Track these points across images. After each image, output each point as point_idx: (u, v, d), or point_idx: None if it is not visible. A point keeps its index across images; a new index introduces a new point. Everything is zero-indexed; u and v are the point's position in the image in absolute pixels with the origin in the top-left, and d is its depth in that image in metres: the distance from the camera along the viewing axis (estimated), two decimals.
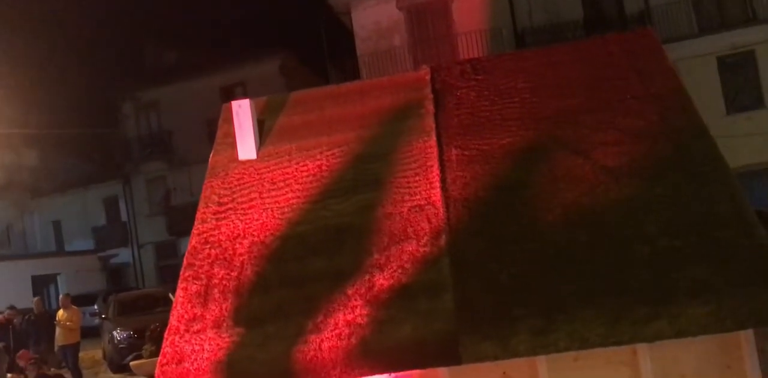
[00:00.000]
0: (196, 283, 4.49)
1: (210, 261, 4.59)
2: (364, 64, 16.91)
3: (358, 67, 16.81)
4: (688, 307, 3.46)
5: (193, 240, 4.77)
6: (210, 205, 4.95)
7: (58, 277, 28.62)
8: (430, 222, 4.39)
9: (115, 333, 14.55)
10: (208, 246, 4.70)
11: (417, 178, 4.67)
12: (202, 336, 4.21)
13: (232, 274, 4.49)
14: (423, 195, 4.55)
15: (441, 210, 4.42)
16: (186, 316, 4.36)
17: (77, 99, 27.37)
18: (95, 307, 22.29)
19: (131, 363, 12.19)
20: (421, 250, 4.25)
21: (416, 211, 4.48)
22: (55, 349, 12.95)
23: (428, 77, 5.40)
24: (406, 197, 4.58)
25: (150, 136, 29.66)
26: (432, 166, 4.71)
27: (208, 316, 4.31)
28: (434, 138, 4.90)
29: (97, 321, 18.63)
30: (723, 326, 3.47)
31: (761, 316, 3.45)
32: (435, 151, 4.80)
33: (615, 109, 4.66)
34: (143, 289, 23.02)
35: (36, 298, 15.03)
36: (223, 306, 4.33)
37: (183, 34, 27.93)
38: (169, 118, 28.80)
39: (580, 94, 4.86)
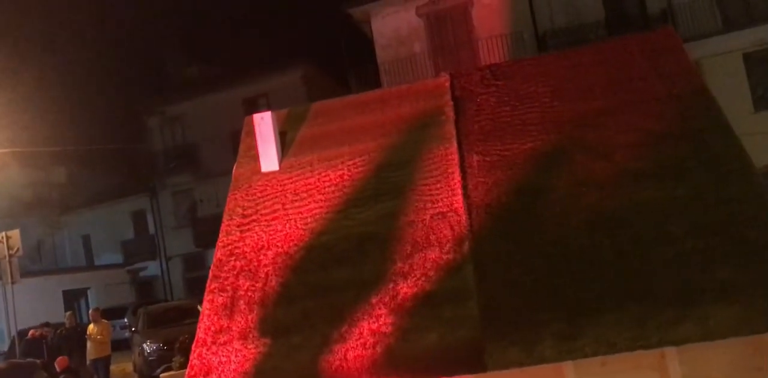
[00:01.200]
0: (222, 295, 4.53)
1: (235, 273, 4.63)
2: (384, 71, 16.95)
3: (379, 75, 16.87)
4: (715, 308, 3.41)
5: (219, 252, 4.82)
6: (234, 217, 5.00)
7: (89, 291, 28.99)
8: (452, 229, 4.38)
9: (144, 345, 14.68)
10: (233, 258, 4.74)
11: (438, 185, 4.68)
12: (228, 347, 4.24)
13: (257, 285, 4.52)
14: (445, 202, 4.55)
15: (463, 217, 4.42)
16: (213, 328, 4.40)
17: (103, 114, 27.82)
18: (125, 320, 22.51)
19: (161, 375, 12.28)
20: (445, 257, 4.25)
21: (439, 219, 4.48)
22: (87, 362, 13.11)
23: (448, 84, 5.41)
24: (429, 205, 4.58)
25: (175, 149, 29.99)
26: (453, 172, 4.71)
27: (234, 328, 4.34)
28: (455, 145, 4.90)
29: (127, 334, 18.82)
30: (752, 328, 3.42)
31: None
32: (456, 157, 4.80)
33: (636, 110, 4.62)
34: (172, 302, 23.21)
35: (68, 313, 15.23)
36: (249, 317, 4.36)
37: (206, 47, 28.28)
38: (194, 131, 29.09)
39: (601, 97, 4.83)
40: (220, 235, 4.96)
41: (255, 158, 5.27)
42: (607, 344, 3.56)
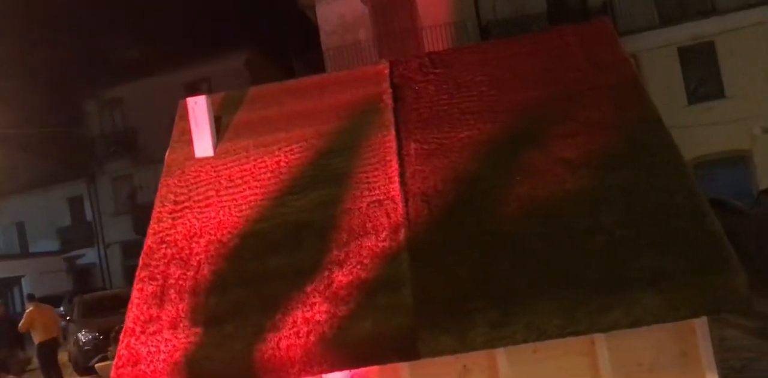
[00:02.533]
0: (152, 284, 4.42)
1: (166, 261, 4.52)
2: (329, 58, 16.81)
3: (324, 62, 16.72)
4: (643, 296, 3.49)
5: (149, 240, 4.70)
6: (166, 204, 4.87)
7: (22, 280, 28.12)
8: (389, 217, 4.37)
9: (79, 335, 14.34)
10: (164, 246, 4.62)
11: (376, 172, 4.65)
12: (158, 337, 4.14)
13: (189, 273, 4.42)
14: (382, 190, 4.53)
15: (400, 204, 4.40)
16: (142, 318, 4.29)
17: (38, 97, 26.85)
18: (61, 309, 21.93)
19: (96, 365, 12.02)
20: (380, 245, 4.23)
21: (375, 206, 4.45)
22: (35, 346, 12.79)
23: (387, 71, 5.37)
24: (365, 192, 4.55)
25: (114, 134, 29.24)
26: (391, 160, 4.69)
27: (164, 317, 4.24)
28: (393, 132, 4.87)
29: (63, 323, 18.35)
30: (677, 314, 3.51)
31: (714, 303, 3.49)
32: (394, 145, 4.78)
33: (571, 100, 4.68)
34: (109, 290, 22.71)
35: None
36: (180, 306, 4.26)
37: (146, 29, 27.53)
38: (133, 116, 28.40)
39: (538, 86, 4.87)
40: (151, 223, 4.83)
41: (188, 143, 5.14)
42: (537, 331, 3.61)
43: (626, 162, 4.17)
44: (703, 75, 18.91)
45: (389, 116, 4.99)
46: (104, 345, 12.67)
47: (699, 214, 3.75)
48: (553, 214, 4.04)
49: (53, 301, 22.40)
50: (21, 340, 13.46)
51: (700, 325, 3.66)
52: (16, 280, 28.01)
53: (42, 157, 31.41)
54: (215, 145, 5.10)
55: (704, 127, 17.42)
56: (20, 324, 12.68)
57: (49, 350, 12.54)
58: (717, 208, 4.11)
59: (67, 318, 16.83)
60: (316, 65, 16.23)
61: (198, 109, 5.05)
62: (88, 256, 30.00)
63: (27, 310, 12.84)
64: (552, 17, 16.93)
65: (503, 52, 5.35)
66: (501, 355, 3.82)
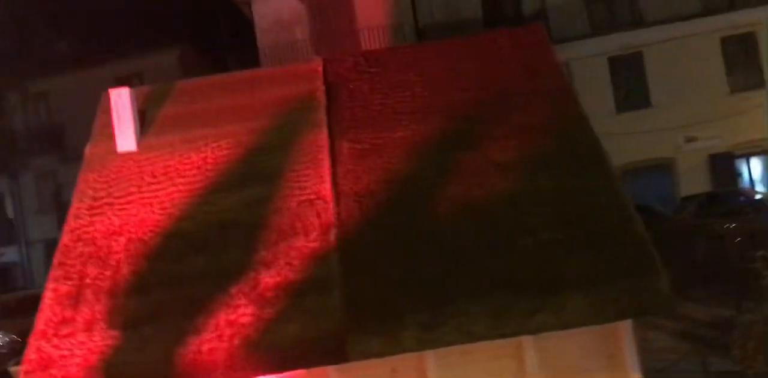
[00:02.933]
0: (66, 284, 4.20)
1: (83, 260, 4.31)
2: (265, 56, 16.58)
3: (259, 60, 16.48)
4: (570, 298, 3.51)
5: (65, 237, 4.47)
6: (84, 199, 4.65)
7: None
8: (319, 217, 4.28)
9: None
10: (81, 243, 4.41)
11: (307, 171, 4.55)
12: (71, 340, 3.94)
13: (107, 273, 4.22)
14: (313, 189, 4.43)
15: (331, 204, 4.32)
16: (54, 320, 4.06)
17: None
18: None
19: (12, 369, 11.46)
20: (310, 245, 4.14)
21: (306, 206, 4.36)
22: None
23: (320, 69, 5.28)
24: (296, 192, 4.45)
25: (39, 128, 28.14)
26: (323, 159, 4.60)
27: (79, 319, 4.03)
28: (325, 131, 4.79)
29: None
30: (604, 317, 3.54)
31: (639, 306, 3.54)
32: (326, 144, 4.69)
33: (504, 103, 4.70)
34: (30, 290, 21.79)
35: None
36: (96, 308, 4.06)
37: (76, 20, 26.61)
38: (60, 110, 27.40)
39: (472, 88, 4.88)
40: (68, 219, 4.61)
41: (111, 137, 4.92)
42: (466, 333, 3.60)
43: (556, 165, 4.20)
44: (631, 84, 19.48)
45: (322, 115, 4.90)
46: (22, 348, 12.14)
47: (626, 217, 3.81)
48: (485, 215, 4.03)
49: None
50: None
51: (626, 327, 3.70)
52: None
53: None
54: (139, 140, 4.90)
55: (632, 135, 17.94)
56: None
57: None
58: (642, 213, 4.19)
59: None
60: (252, 63, 15.97)
61: (121, 101, 4.84)
62: (9, 254, 28.80)
63: None
64: (487, 23, 17.16)
65: (438, 53, 5.35)
66: (430, 357, 3.78)
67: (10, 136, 28.64)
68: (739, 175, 18.06)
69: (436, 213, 4.16)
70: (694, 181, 17.76)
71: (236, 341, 3.74)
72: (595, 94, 18.27)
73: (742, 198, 15.11)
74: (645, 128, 18.38)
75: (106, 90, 5.17)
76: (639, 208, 4.13)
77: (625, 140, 17.50)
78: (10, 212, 29.47)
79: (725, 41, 18.65)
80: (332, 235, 4.15)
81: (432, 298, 3.69)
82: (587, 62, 18.77)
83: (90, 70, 25.18)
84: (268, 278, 4.01)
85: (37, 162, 27.92)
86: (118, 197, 4.62)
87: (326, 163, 4.55)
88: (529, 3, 18.99)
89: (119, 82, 25.28)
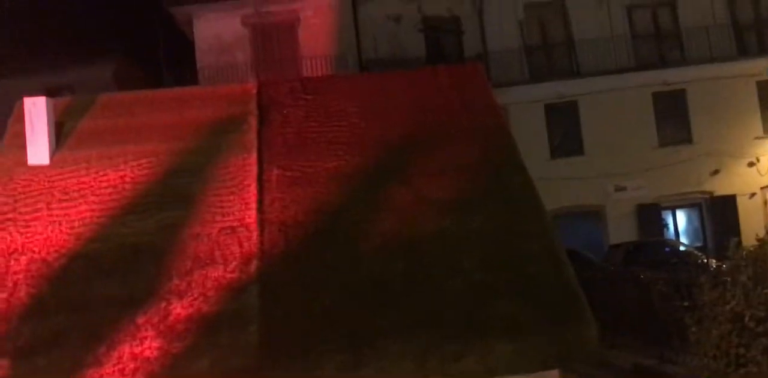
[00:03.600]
0: None
1: None
2: (203, 77, 16.24)
3: (198, 80, 16.13)
4: (496, 344, 3.38)
5: None
6: None
7: None
8: (241, 245, 4.05)
9: None
10: None
11: (231, 197, 4.33)
12: None
13: (2, 295, 3.88)
14: (236, 216, 4.21)
15: (254, 233, 4.10)
16: None
17: None
18: None
19: None
20: (228, 276, 3.90)
21: (227, 233, 4.12)
22: None
23: (255, 92, 5.10)
24: (218, 217, 4.21)
25: None
26: (249, 185, 4.39)
27: None
28: (255, 156, 4.59)
29: None
30: (529, 365, 3.43)
31: (566, 354, 3.44)
32: (254, 169, 4.49)
33: (439, 138, 4.62)
34: None
35: None
36: None
37: (9, 26, 25.65)
38: None
39: (408, 123, 4.79)
40: None
41: (22, 148, 4.59)
42: (388, 376, 3.42)
43: (489, 205, 4.12)
44: (565, 131, 19.92)
45: (252, 139, 4.70)
46: None
47: (556, 262, 3.74)
48: (414, 253, 3.90)
49: None
50: None
51: (553, 375, 3.58)
52: None
53: None
54: (53, 153, 4.58)
55: (564, 180, 18.25)
56: None
57: None
58: (571, 258, 4.13)
59: None
60: (191, 82, 15.61)
61: (36, 111, 4.53)
62: None
63: None
64: (429, 62, 17.32)
65: (377, 84, 5.27)
66: None
67: None
68: (665, 225, 18.54)
69: (362, 248, 4.00)
70: (621, 229, 18.11)
71: (140, 376, 3.46)
72: (530, 140, 18.57)
73: (667, 248, 15.45)
74: (577, 175, 18.76)
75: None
76: (568, 253, 4.07)
77: (558, 186, 17.78)
78: None
79: (656, 96, 19.34)
80: (253, 266, 3.93)
81: (354, 338, 3.50)
82: (524, 108, 19.14)
83: (17, 78, 24.20)
84: (180, 309, 3.74)
85: None
86: (24, 213, 4.28)
87: (253, 190, 4.34)
88: (471, 46, 19.33)
89: (49, 94, 24.33)
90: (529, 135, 19.05)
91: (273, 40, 17.00)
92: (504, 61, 19.78)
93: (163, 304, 3.75)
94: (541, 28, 20.42)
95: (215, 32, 16.77)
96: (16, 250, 4.08)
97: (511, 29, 19.79)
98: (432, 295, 3.66)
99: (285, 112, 4.97)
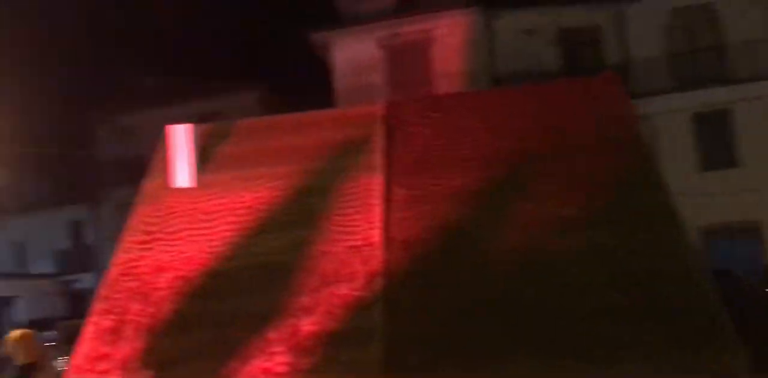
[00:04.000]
0: (108, 319, 4.16)
1: (128, 294, 4.26)
2: (340, 100, 16.80)
3: (335, 103, 16.70)
4: (626, 369, 3.18)
5: (113, 271, 4.45)
6: (136, 233, 4.64)
7: (17, 300, 27.75)
8: (366, 264, 4.11)
9: (57, 361, 13.96)
10: (127, 278, 4.37)
11: (357, 216, 4.41)
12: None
13: (149, 310, 4.16)
14: (362, 235, 4.28)
15: (379, 252, 4.15)
16: (93, 354, 4.01)
17: (49, 118, 27.02)
18: (55, 332, 21.49)
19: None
20: (354, 294, 3.96)
21: (353, 252, 4.20)
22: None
23: (381, 112, 5.18)
24: (344, 236, 4.30)
25: (123, 160, 29.24)
26: (374, 204, 4.45)
27: (116, 356, 3.96)
28: (381, 175, 4.65)
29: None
30: None
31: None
32: (380, 189, 4.55)
33: (569, 154, 4.45)
34: None
35: None
36: (135, 345, 3.99)
37: (163, 59, 27.84)
38: (144, 144, 28.39)
39: (537, 138, 4.66)
40: (118, 252, 4.59)
41: (168, 172, 4.93)
42: None
43: (623, 222, 3.91)
44: (717, 142, 18.70)
45: (378, 158, 4.77)
46: None
47: (694, 283, 3.48)
48: (540, 271, 3.77)
49: (46, 324, 22.00)
50: (3, 363, 13.16)
51: None
52: (8, 301, 27.62)
53: (47, 178, 31.43)
54: (196, 176, 4.89)
55: (716, 195, 17.12)
56: (4, 347, 12.48)
57: (26, 372, 12.33)
58: (721, 279, 3.82)
59: (52, 343, 16.41)
60: (327, 105, 16.18)
61: (180, 137, 4.86)
62: (85, 280, 29.66)
63: (13, 334, 12.69)
64: (565, 75, 16.90)
65: (505, 99, 5.17)
66: None
67: (96, 167, 29.86)
68: None
69: (488, 267, 3.93)
70: None
71: None
72: (677, 152, 17.62)
73: None
74: (731, 189, 17.51)
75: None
76: (717, 273, 3.77)
77: (710, 201, 16.71)
78: (88, 240, 30.49)
79: None
80: (378, 284, 3.97)
81: (475, 359, 3.44)
82: (671, 118, 18.18)
83: (174, 107, 26.14)
84: (308, 325, 3.85)
85: (119, 193, 28.93)
86: (170, 233, 4.58)
87: (378, 209, 4.40)
88: (610, 56, 18.66)
89: (201, 120, 26.06)
90: (676, 147, 18.07)
91: (407, 60, 17.31)
92: (647, 69, 18.97)
93: (292, 321, 3.87)
94: (689, 32, 19.37)
95: (351, 55, 17.32)
96: (162, 267, 4.36)
97: (655, 36, 18.95)
98: (561, 315, 3.53)
99: (411, 130, 5.00)
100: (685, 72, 18.79)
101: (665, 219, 3.87)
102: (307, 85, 18.50)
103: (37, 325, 19.48)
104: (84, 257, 30.28)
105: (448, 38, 17.19)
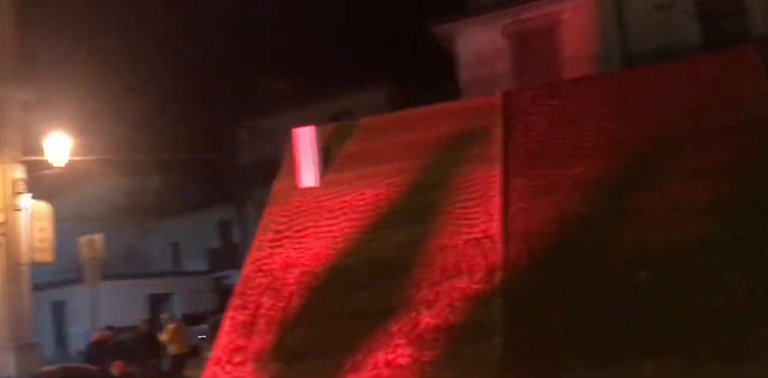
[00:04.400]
0: (243, 313, 4.40)
1: (260, 290, 4.50)
2: (466, 90, 16.67)
3: (460, 95, 16.60)
4: (761, 370, 2.96)
5: (247, 268, 4.71)
6: (267, 232, 4.88)
7: (173, 297, 29.81)
8: (486, 257, 4.09)
9: (207, 353, 14.90)
10: (260, 274, 4.61)
11: (477, 208, 4.39)
12: (242, 369, 4.10)
13: (280, 304, 4.37)
14: (481, 227, 4.26)
15: (498, 244, 4.11)
16: (230, 347, 4.27)
17: (194, 125, 28.78)
18: (206, 326, 22.95)
19: None
20: (474, 287, 3.96)
21: (472, 245, 4.19)
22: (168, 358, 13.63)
23: (499, 103, 5.11)
24: (464, 229, 4.30)
25: (263, 162, 30.59)
26: (494, 196, 4.41)
27: (250, 348, 4.20)
28: (498, 167, 4.60)
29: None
30: None
31: None
32: (498, 180, 4.50)
33: (698, 139, 4.19)
34: None
35: (144, 318, 15.75)
36: (267, 338, 4.21)
37: (295, 63, 28.83)
38: (282, 146, 29.51)
39: (661, 122, 4.42)
40: (251, 250, 4.86)
41: (296, 172, 5.15)
42: None
43: (756, 211, 3.63)
44: None
45: (497, 150, 4.72)
46: None
47: None
48: (665, 265, 3.58)
49: (199, 318, 23.54)
50: (159, 353, 14.24)
51: None
52: (167, 297, 29.75)
53: (197, 182, 33.53)
54: (320, 176, 5.07)
55: None
56: (163, 336, 13.54)
57: (179, 361, 13.37)
58: None
59: (202, 336, 17.52)
60: (453, 98, 16.11)
61: (305, 139, 5.07)
62: (234, 277, 31.41)
63: (170, 326, 13.73)
64: (707, 49, 15.78)
65: (626, 84, 4.94)
66: None
67: (240, 169, 31.49)
68: None
69: (610, 260, 3.79)
70: None
71: None
72: None
73: None
74: None
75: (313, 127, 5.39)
76: None
77: None
78: (235, 238, 32.22)
79: None
80: (498, 278, 3.94)
81: (600, 354, 3.33)
82: None
83: (307, 108, 27.00)
84: (429, 319, 3.89)
85: (261, 193, 30.34)
86: (297, 231, 4.78)
87: (497, 200, 4.36)
88: (757, 26, 17.25)
89: (333, 120, 26.81)
90: None
91: (532, 46, 16.89)
92: None
93: (414, 314, 3.92)
94: None
95: (475, 46, 17.13)
96: (291, 263, 4.57)
97: None
98: (688, 312, 3.34)
99: (528, 120, 4.91)
100: None
101: None
102: (434, 79, 18.54)
103: (191, 319, 20.85)
104: (232, 255, 32.00)
105: (575, 20, 16.59)
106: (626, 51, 16.63)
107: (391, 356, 3.77)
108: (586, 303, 3.59)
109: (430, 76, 18.60)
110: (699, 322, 3.27)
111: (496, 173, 4.55)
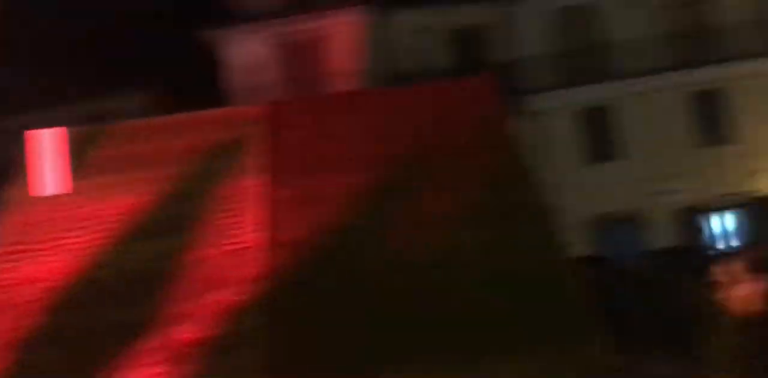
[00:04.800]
0: None
1: None
2: (235, 98, 16.47)
3: (228, 102, 16.36)
4: (496, 366, 3.28)
5: None
6: (1, 244, 4.39)
7: None
8: (250, 267, 4.06)
9: None
10: None
11: (239, 218, 4.34)
12: None
13: (18, 324, 3.96)
14: (242, 238, 4.22)
15: (261, 255, 4.10)
16: None
17: None
18: None
19: None
20: (235, 299, 3.90)
21: (235, 256, 4.13)
22: None
23: (264, 113, 5.12)
24: (224, 240, 4.23)
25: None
26: (259, 206, 4.39)
27: None
28: (265, 177, 4.60)
29: None
30: None
31: (576, 373, 3.33)
32: (263, 190, 4.50)
33: (444, 154, 4.56)
34: None
35: None
36: (6, 359, 3.79)
37: (52, 61, 26.51)
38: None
39: (414, 138, 4.74)
40: None
41: (36, 178, 4.69)
42: None
43: (489, 219, 4.04)
44: (602, 135, 19.57)
45: (263, 160, 4.71)
46: None
47: (558, 276, 3.63)
48: (415, 272, 3.84)
49: None
50: None
51: None
52: None
53: None
54: (63, 183, 4.67)
55: (601, 186, 17.92)
56: None
57: None
58: (595, 265, 4.01)
59: None
60: (219, 105, 15.78)
61: (49, 142, 4.63)
62: None
63: None
64: (458, 73, 17.24)
65: (386, 101, 5.25)
66: None
67: None
68: (705, 229, 18.06)
69: (371, 266, 3.98)
70: (662, 235, 17.70)
71: None
72: (565, 146, 18.33)
73: (711, 252, 15.01)
74: (615, 180, 18.37)
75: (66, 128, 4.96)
76: (592, 260, 3.95)
77: (595, 192, 17.48)
78: None
79: (695, 96, 18.92)
80: (262, 287, 3.93)
81: (356, 363, 3.46)
82: (559, 113, 18.90)
83: (62, 108, 24.93)
84: (187, 333, 3.76)
85: None
86: (38, 242, 4.37)
87: (262, 211, 4.35)
88: (501, 54, 19.17)
89: (90, 121, 24.99)
90: (564, 140, 18.79)
91: (300, 58, 17.18)
92: (536, 66, 19.59)
93: (169, 328, 3.77)
94: (575, 30, 20.15)
95: (243, 54, 17.03)
96: (31, 278, 4.16)
97: (544, 34, 19.60)
98: (431, 317, 3.60)
99: (293, 132, 4.97)
100: (573, 68, 19.56)
101: (534, 214, 4.02)
102: (203, 84, 18.05)
103: None
104: None
105: (341, 36, 17.20)
106: (390, 69, 17.60)
107: (143, 373, 3.58)
108: (351, 307, 3.72)
109: (202, 83, 18.09)
110: (440, 325, 3.53)
111: (259, 183, 4.53)
